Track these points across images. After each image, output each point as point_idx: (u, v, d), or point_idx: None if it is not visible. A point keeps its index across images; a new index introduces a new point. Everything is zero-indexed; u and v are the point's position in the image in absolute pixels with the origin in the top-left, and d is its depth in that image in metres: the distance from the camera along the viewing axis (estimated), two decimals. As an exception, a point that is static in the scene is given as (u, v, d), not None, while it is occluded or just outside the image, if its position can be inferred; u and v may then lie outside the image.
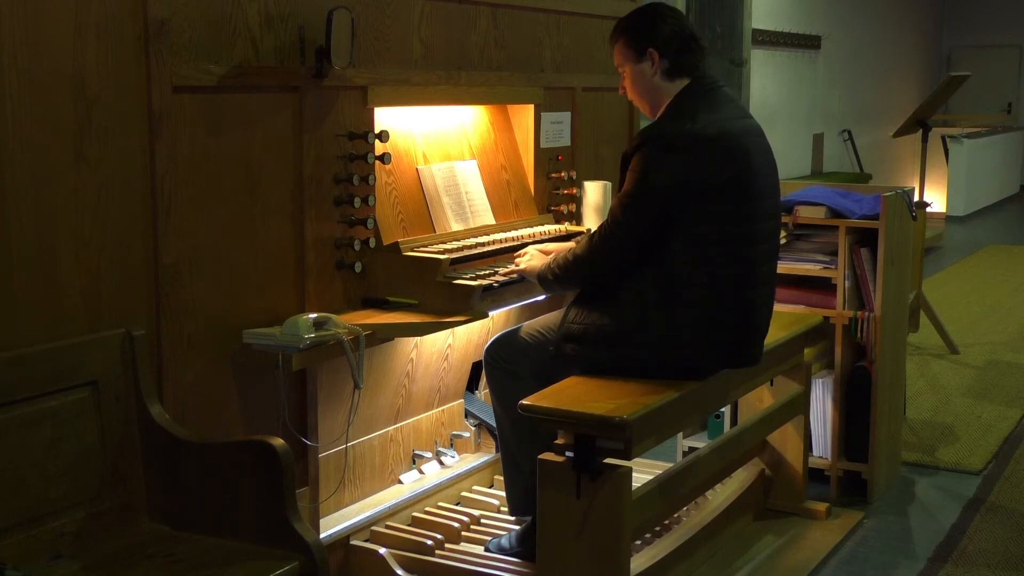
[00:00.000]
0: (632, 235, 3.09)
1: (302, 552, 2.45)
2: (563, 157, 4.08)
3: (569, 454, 2.88)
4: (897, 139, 6.72)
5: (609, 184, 3.97)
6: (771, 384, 3.83)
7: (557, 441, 2.92)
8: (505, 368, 3.33)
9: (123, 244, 2.64)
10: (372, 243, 3.26)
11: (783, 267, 4.10)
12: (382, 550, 3.24)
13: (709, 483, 3.67)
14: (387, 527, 3.38)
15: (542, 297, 3.65)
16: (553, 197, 4.04)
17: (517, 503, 3.39)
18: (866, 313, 4.03)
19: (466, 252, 3.40)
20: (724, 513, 3.64)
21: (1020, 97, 15.29)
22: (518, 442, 3.29)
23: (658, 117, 3.21)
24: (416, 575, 3.24)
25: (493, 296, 3.30)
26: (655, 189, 3.05)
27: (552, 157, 4.03)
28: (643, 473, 3.66)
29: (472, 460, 3.78)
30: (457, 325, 3.25)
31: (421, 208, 3.51)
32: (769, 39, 9.93)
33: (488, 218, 3.73)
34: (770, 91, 10.09)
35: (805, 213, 4.10)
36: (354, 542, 3.28)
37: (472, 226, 3.64)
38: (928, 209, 6.55)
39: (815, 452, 4.17)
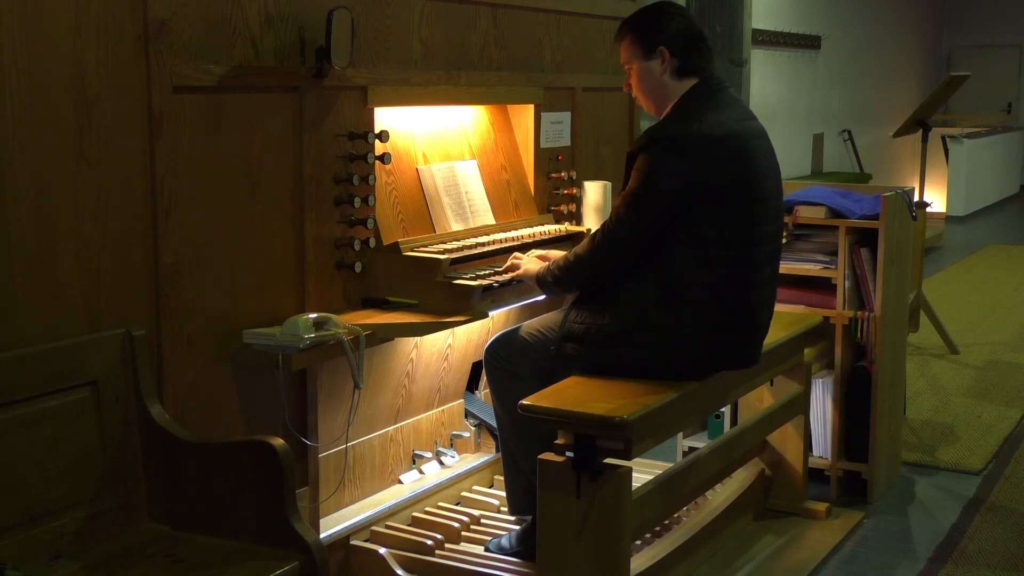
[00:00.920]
0: (635, 235, 3.09)
1: (302, 552, 2.45)
2: (563, 157, 4.08)
3: (569, 454, 2.88)
4: (897, 139, 6.72)
5: (609, 184, 3.97)
6: (771, 384, 3.83)
7: (557, 441, 2.92)
8: (505, 368, 3.33)
9: (123, 244, 2.64)
10: (372, 243, 3.26)
11: (783, 267, 4.10)
12: (382, 550, 3.24)
13: (709, 483, 3.67)
14: (387, 527, 3.38)
15: (542, 297, 3.65)
16: (553, 197, 4.04)
17: (517, 502, 3.39)
18: (866, 313, 4.03)
19: (466, 252, 3.40)
20: (724, 513, 3.64)
21: (1020, 97, 15.29)
22: (518, 442, 3.29)
23: (664, 117, 3.20)
24: (416, 575, 3.24)
25: (493, 296, 3.31)
26: (660, 190, 3.05)
27: (552, 157, 4.03)
28: (643, 473, 3.66)
29: (472, 460, 3.78)
30: (457, 325, 3.25)
31: (421, 208, 3.51)
32: (769, 39, 9.93)
33: (488, 218, 3.73)
34: (770, 91, 10.09)
35: (805, 213, 4.10)
36: (354, 542, 3.28)
37: (472, 226, 3.64)
38: (928, 209, 6.55)
39: (815, 452, 4.17)
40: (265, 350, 2.89)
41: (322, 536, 3.11)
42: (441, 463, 3.68)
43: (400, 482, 3.55)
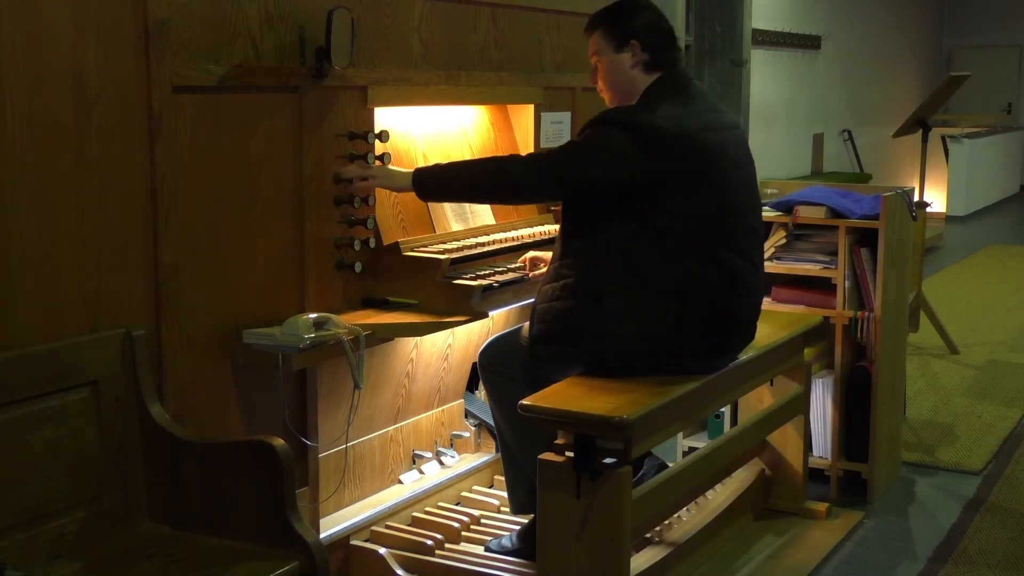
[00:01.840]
0: (566, 176, 3.06)
1: (302, 552, 2.45)
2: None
3: (569, 454, 2.88)
4: (897, 139, 6.71)
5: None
6: (771, 384, 3.83)
7: (557, 441, 2.92)
8: (499, 371, 3.34)
9: (123, 244, 2.64)
10: (372, 243, 3.26)
11: (783, 267, 4.11)
12: (382, 550, 3.24)
13: (709, 483, 3.67)
14: (387, 527, 3.38)
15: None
16: (553, 197, 4.04)
17: (519, 502, 3.38)
18: (866, 313, 4.03)
19: (466, 252, 3.40)
20: (724, 513, 3.64)
21: (1020, 97, 15.29)
22: (518, 442, 3.29)
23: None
24: (416, 575, 3.24)
25: (493, 296, 3.30)
26: (598, 160, 3.02)
27: (552, 157, 4.02)
28: (643, 473, 3.66)
29: (472, 460, 3.78)
30: (457, 325, 3.25)
31: (421, 208, 3.51)
32: (769, 39, 9.93)
33: (488, 218, 3.73)
34: (770, 91, 10.09)
35: (805, 213, 4.10)
36: (354, 542, 3.28)
37: (472, 226, 3.64)
38: (928, 209, 6.55)
39: (815, 452, 4.17)
40: (265, 350, 2.89)
41: (322, 536, 3.11)
42: (441, 463, 3.68)
43: (400, 482, 3.55)
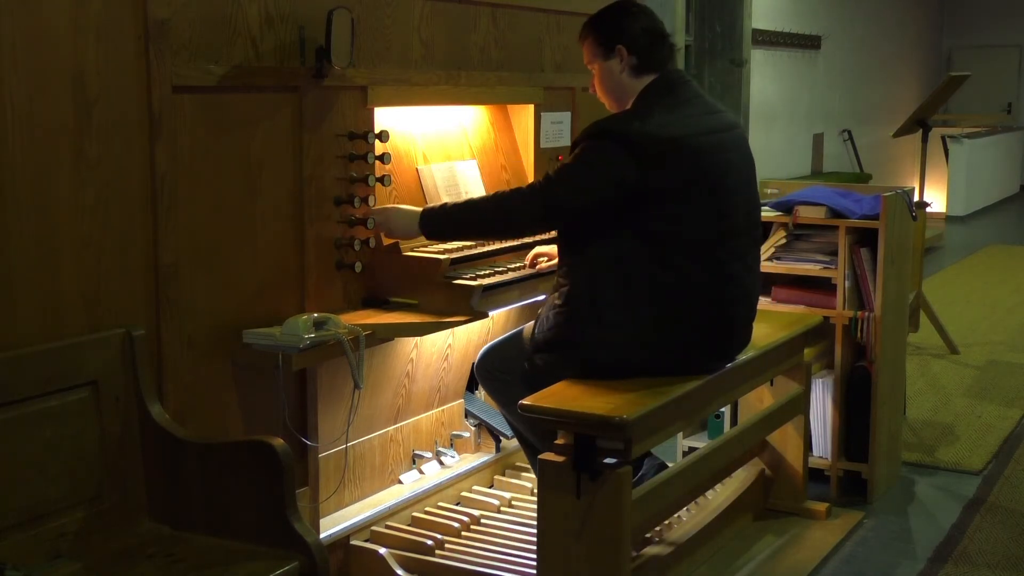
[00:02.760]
0: (562, 205, 3.05)
1: (302, 552, 2.45)
2: (563, 157, 4.06)
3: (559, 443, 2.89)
4: (897, 139, 6.71)
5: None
6: (771, 384, 3.83)
7: (557, 441, 2.92)
8: (499, 377, 3.36)
9: (123, 244, 2.64)
10: (372, 243, 3.26)
11: (783, 267, 4.11)
12: (382, 550, 3.24)
13: (709, 483, 3.67)
14: (387, 527, 3.38)
15: (542, 297, 3.65)
16: (553, 197, 4.03)
17: None
18: (866, 313, 4.03)
19: (466, 252, 3.40)
20: (724, 513, 3.64)
21: (1020, 97, 15.29)
22: (536, 437, 3.29)
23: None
24: (416, 575, 3.24)
25: (493, 296, 3.30)
26: (591, 177, 3.02)
27: (552, 157, 4.02)
28: (643, 473, 3.66)
29: (472, 460, 3.78)
30: (457, 325, 3.25)
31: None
32: (769, 39, 9.93)
33: (488, 218, 3.72)
34: (770, 91, 10.09)
35: (805, 213, 4.10)
36: (354, 542, 3.28)
37: (472, 226, 3.64)
38: (928, 209, 6.55)
39: (815, 452, 4.17)
40: (265, 350, 2.89)
41: (322, 536, 3.11)
42: (441, 463, 3.68)
43: (400, 482, 3.55)
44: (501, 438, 3.83)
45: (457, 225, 3.21)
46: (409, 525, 3.45)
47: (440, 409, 3.72)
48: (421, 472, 3.62)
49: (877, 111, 12.79)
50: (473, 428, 3.83)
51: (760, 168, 3.48)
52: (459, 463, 3.73)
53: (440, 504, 3.59)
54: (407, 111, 3.52)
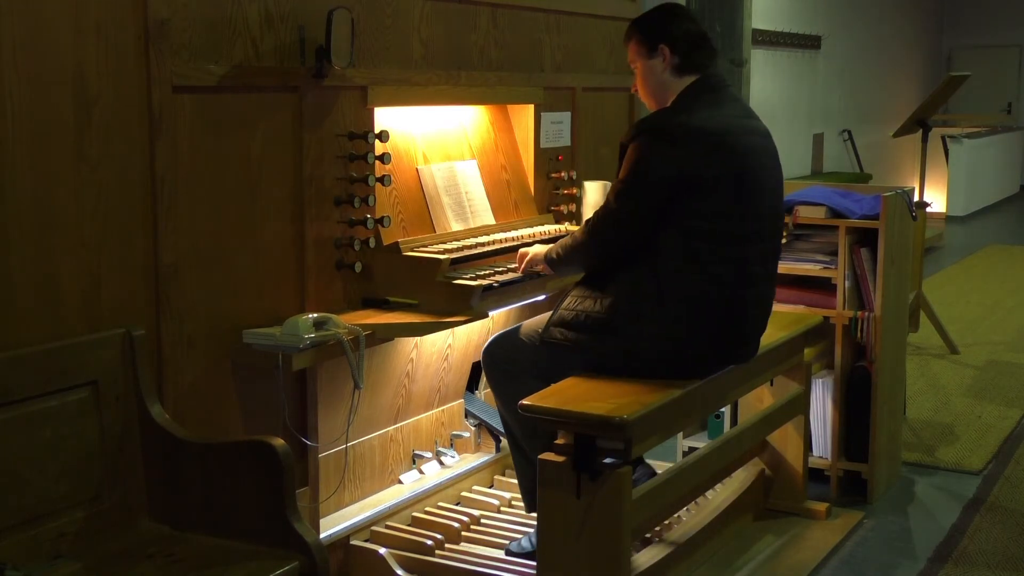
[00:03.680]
0: (623, 224, 3.13)
1: (302, 552, 2.45)
2: (563, 157, 4.08)
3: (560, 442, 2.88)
4: (897, 139, 6.71)
5: (609, 184, 3.96)
6: (771, 384, 3.83)
7: (557, 441, 2.92)
8: (503, 368, 3.34)
9: (123, 244, 2.64)
10: (372, 243, 3.26)
11: (783, 267, 4.10)
12: (382, 550, 3.24)
13: (709, 483, 3.67)
14: (387, 527, 3.38)
15: (542, 297, 3.66)
16: (553, 197, 4.04)
17: (531, 500, 3.37)
18: (866, 313, 4.03)
19: (466, 252, 3.40)
20: (724, 513, 3.64)
21: (1020, 97, 15.29)
22: (526, 437, 3.29)
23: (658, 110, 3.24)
24: (416, 575, 3.24)
25: (493, 296, 3.30)
26: (649, 178, 3.08)
27: (552, 157, 4.03)
28: (643, 473, 3.66)
29: (472, 460, 3.78)
30: (457, 325, 3.25)
31: (421, 208, 3.51)
32: (769, 39, 9.93)
33: (488, 218, 3.73)
34: (770, 91, 10.09)
35: (805, 213, 4.10)
36: (354, 542, 3.28)
37: (472, 226, 3.64)
38: (928, 209, 6.54)
39: (815, 452, 4.17)
40: (265, 350, 2.89)
41: (322, 536, 3.11)
42: (441, 463, 3.68)
43: (400, 482, 3.55)
44: (501, 438, 3.83)
45: (568, 265, 3.31)
46: (409, 525, 3.45)
47: (440, 409, 3.72)
48: (421, 472, 3.62)
49: (877, 111, 12.79)
50: (473, 428, 3.83)
51: (760, 168, 3.49)
52: (459, 463, 3.73)
53: (440, 504, 3.59)
54: (407, 111, 3.52)
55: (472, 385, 3.87)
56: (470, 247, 3.44)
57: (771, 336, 3.55)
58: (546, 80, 3.99)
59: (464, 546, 3.37)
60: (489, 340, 3.45)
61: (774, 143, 3.32)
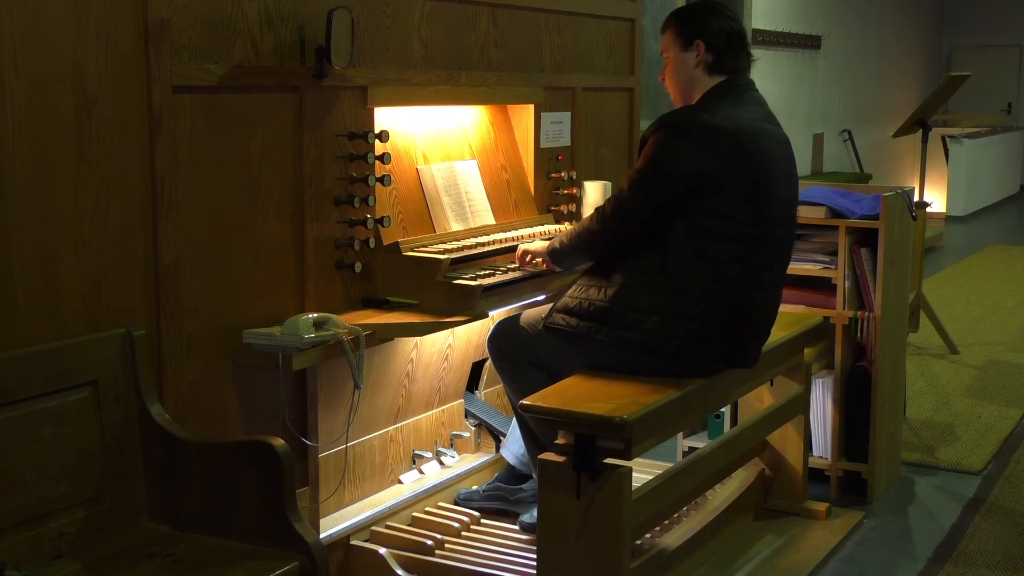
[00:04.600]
0: (633, 214, 3.13)
1: (302, 552, 2.45)
2: (563, 157, 4.08)
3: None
4: (897, 139, 6.71)
5: (609, 184, 3.97)
6: (771, 384, 3.83)
7: (557, 441, 2.92)
8: (509, 359, 3.38)
9: (123, 244, 2.64)
10: (372, 243, 3.26)
11: (783, 267, 4.10)
12: (382, 550, 3.24)
13: (709, 483, 3.67)
14: (387, 527, 3.38)
15: (542, 297, 3.65)
16: (553, 197, 4.04)
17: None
18: (866, 313, 4.03)
19: (466, 252, 3.40)
20: (724, 513, 3.64)
21: (1020, 97, 15.29)
22: (539, 425, 3.29)
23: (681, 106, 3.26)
24: (416, 575, 3.24)
25: (493, 296, 3.30)
26: (664, 172, 3.09)
27: (552, 157, 4.03)
28: (643, 473, 3.66)
29: (472, 460, 3.78)
30: (457, 325, 3.25)
31: (421, 208, 3.51)
32: (769, 39, 9.93)
33: (488, 218, 3.73)
34: (770, 91, 10.08)
35: (805, 213, 4.10)
36: (354, 542, 3.28)
37: (472, 226, 3.64)
38: (928, 209, 6.54)
39: (815, 452, 4.17)
40: (265, 350, 2.89)
41: (322, 536, 3.11)
42: (441, 463, 3.68)
43: (400, 482, 3.55)
44: (501, 438, 3.82)
45: (575, 255, 3.32)
46: (409, 525, 3.45)
47: (440, 409, 3.72)
48: (421, 472, 3.62)
49: (877, 111, 12.79)
50: (473, 428, 3.83)
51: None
52: (459, 463, 3.73)
53: (440, 504, 3.59)
54: (407, 111, 3.52)
55: (472, 385, 3.87)
56: (470, 247, 3.44)
57: (771, 336, 3.54)
58: (546, 80, 3.99)
59: (464, 546, 3.37)
60: (493, 328, 3.50)
61: (792, 151, 3.32)
